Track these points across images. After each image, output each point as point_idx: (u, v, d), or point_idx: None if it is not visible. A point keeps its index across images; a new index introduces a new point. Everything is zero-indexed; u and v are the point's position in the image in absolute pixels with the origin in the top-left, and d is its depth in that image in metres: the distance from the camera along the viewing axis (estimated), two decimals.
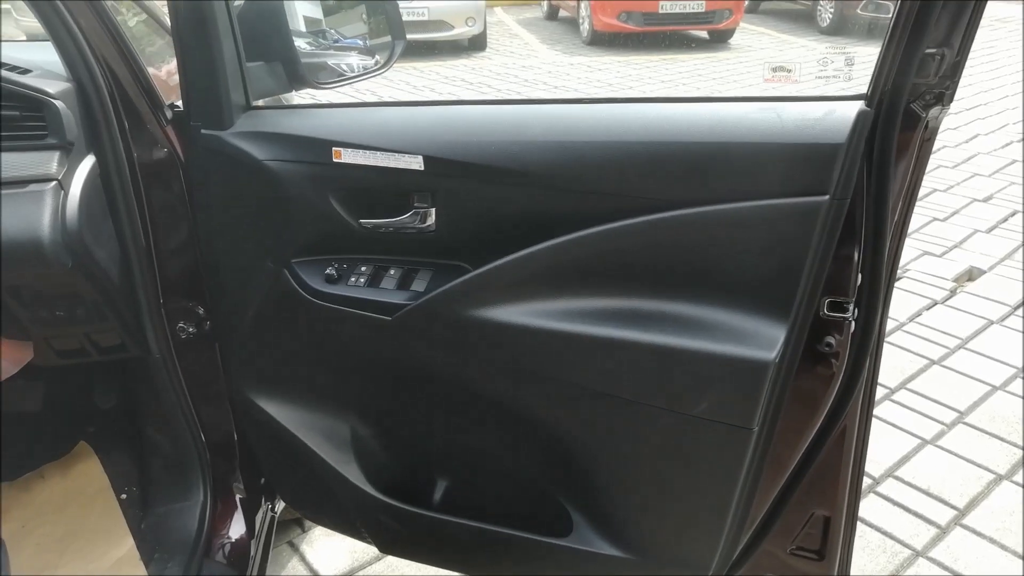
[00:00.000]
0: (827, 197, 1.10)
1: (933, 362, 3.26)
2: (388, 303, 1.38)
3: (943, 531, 2.40)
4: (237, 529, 1.84)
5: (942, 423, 2.87)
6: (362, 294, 1.40)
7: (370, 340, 1.44)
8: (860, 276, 1.18)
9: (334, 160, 1.36)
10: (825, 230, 1.12)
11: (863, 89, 1.10)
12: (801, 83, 1.18)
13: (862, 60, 1.20)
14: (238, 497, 1.86)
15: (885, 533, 2.39)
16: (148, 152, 1.55)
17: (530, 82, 8.63)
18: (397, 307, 1.37)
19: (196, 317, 1.73)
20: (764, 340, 1.17)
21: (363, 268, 1.44)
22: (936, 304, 3.75)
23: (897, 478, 2.62)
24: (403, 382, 1.52)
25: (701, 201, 1.16)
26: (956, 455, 2.71)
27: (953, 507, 2.48)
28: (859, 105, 1.10)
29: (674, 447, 1.30)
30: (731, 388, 1.20)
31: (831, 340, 1.20)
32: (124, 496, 1.92)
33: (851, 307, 1.19)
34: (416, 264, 1.43)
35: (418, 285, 1.39)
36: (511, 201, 1.29)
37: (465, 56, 10.26)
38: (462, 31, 10.16)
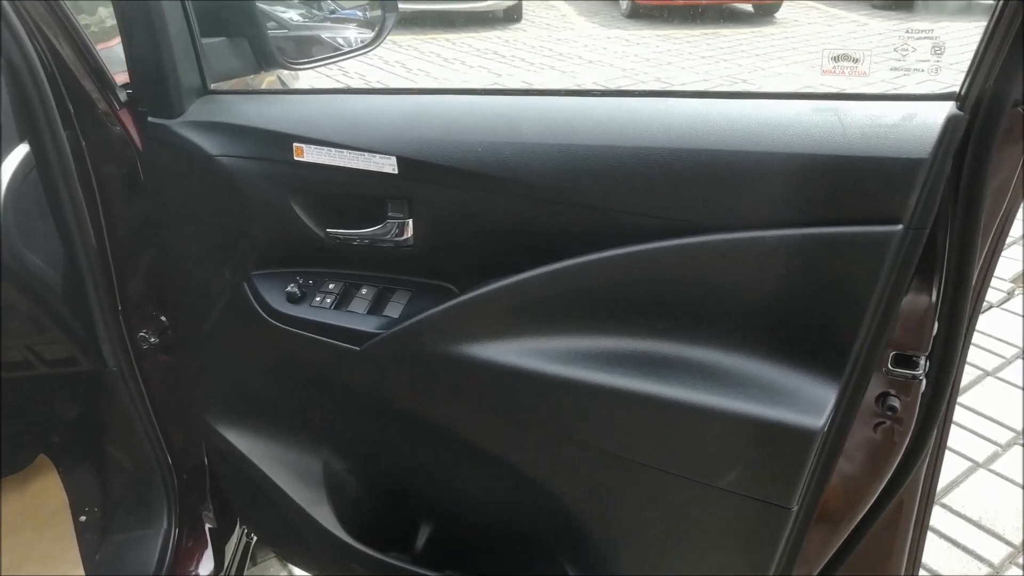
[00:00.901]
0: (900, 227, 0.85)
1: (987, 373, 2.96)
2: (357, 331, 1.16)
3: (996, 571, 2.13)
4: (205, 565, 1.65)
5: (996, 444, 2.58)
6: (328, 318, 1.18)
7: (338, 369, 1.22)
8: (936, 324, 0.92)
9: (295, 158, 1.13)
10: (896, 267, 0.87)
11: (937, 85, 0.83)
12: (870, 76, 0.92)
13: (954, 50, 0.94)
14: (207, 526, 1.66)
15: (930, 571, 2.13)
16: (99, 139, 1.35)
17: (565, 56, 8.31)
18: (367, 335, 1.15)
19: (159, 325, 1.54)
20: (810, 401, 0.93)
21: (331, 286, 1.21)
22: (991, 307, 3.43)
23: (944, 507, 2.34)
24: (376, 416, 1.31)
25: (737, 225, 0.91)
26: (1012, 481, 2.42)
27: (1008, 543, 2.21)
28: (949, 107, 0.84)
29: (692, 521, 1.06)
30: (766, 459, 0.96)
31: (895, 403, 0.95)
32: (83, 518, 1.74)
33: (922, 362, 0.94)
34: (392, 283, 1.20)
35: (392, 309, 1.16)
36: (503, 214, 1.05)
37: (500, 28, 9.94)
38: (496, 2, 9.83)
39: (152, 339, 1.57)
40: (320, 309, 1.19)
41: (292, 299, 1.21)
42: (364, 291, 1.19)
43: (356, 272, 1.22)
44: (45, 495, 1.77)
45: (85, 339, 1.46)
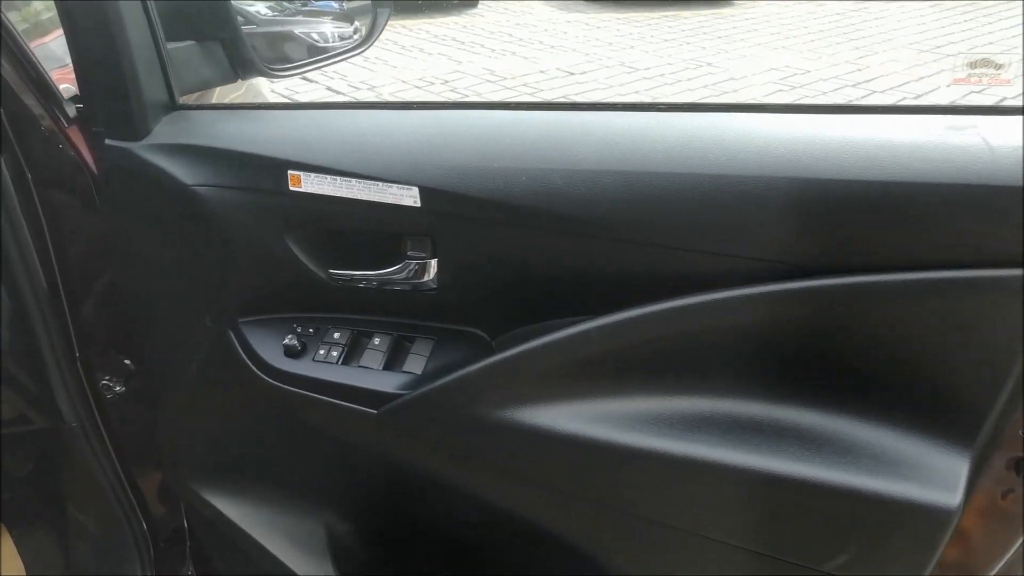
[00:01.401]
0: None
1: None
2: (373, 391, 0.97)
3: None
4: None
5: None
6: (336, 375, 1.00)
7: (349, 434, 1.04)
8: None
9: (291, 188, 0.94)
10: None
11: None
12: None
13: None
14: None
15: None
16: (44, 163, 1.14)
17: (526, 41, 8.11)
18: (386, 397, 0.97)
19: (125, 371, 1.34)
20: (937, 472, 0.78)
21: (336, 335, 1.03)
22: None
23: None
24: (393, 483, 1.13)
25: (851, 267, 0.75)
26: None
27: None
28: None
29: None
30: (888, 540, 0.80)
31: None
32: None
33: None
34: (409, 329, 1.02)
35: (414, 363, 0.98)
36: (551, 253, 0.88)
37: (456, 13, 9.68)
38: None
39: (117, 387, 1.36)
40: (326, 365, 1.00)
41: (291, 352, 1.02)
42: (377, 341, 1.01)
43: (365, 317, 1.04)
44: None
45: (37, 393, 1.25)
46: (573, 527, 0.96)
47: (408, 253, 0.95)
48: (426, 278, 0.96)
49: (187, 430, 1.20)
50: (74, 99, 1.12)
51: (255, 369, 1.04)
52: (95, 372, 1.31)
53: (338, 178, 0.92)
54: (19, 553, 1.58)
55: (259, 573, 1.27)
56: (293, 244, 0.98)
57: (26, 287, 1.16)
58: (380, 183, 0.90)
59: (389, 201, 0.90)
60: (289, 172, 0.94)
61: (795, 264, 0.77)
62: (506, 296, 0.94)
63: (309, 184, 0.93)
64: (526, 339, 0.94)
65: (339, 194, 0.92)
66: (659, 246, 0.82)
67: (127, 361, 1.31)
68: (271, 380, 1.03)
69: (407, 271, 0.96)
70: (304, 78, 5.95)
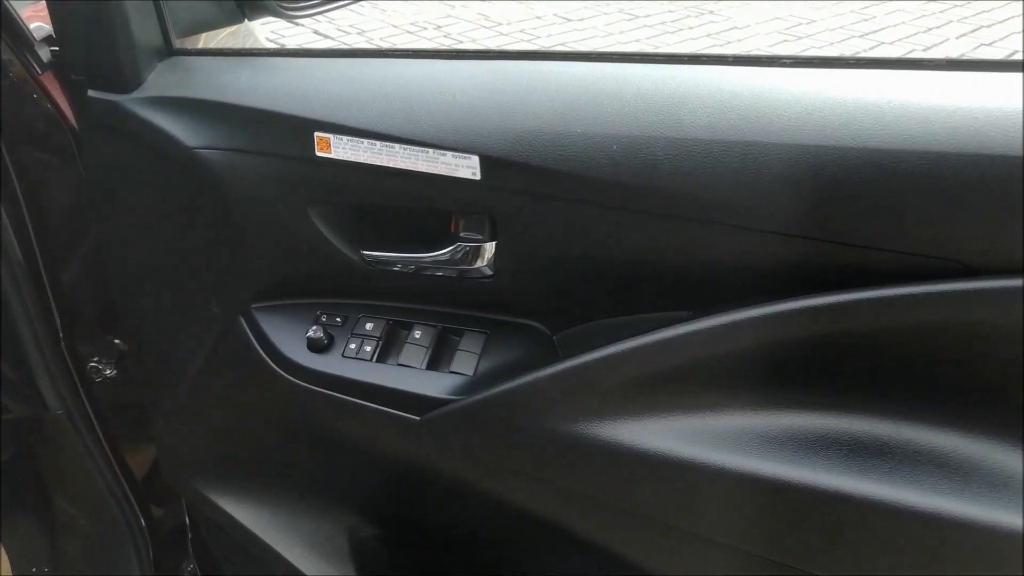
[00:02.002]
0: None
1: None
2: (414, 395, 0.83)
3: None
4: None
5: None
6: (369, 375, 0.85)
7: (385, 440, 0.90)
8: None
9: (317, 153, 0.78)
10: None
11: None
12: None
13: None
14: None
15: None
16: (15, 116, 0.97)
17: None
18: (431, 402, 0.82)
19: (116, 352, 1.19)
20: None
21: (368, 326, 0.87)
22: None
23: None
24: (432, 494, 0.99)
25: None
26: None
27: None
28: None
29: None
30: None
31: None
32: None
33: None
34: (455, 320, 0.87)
35: (463, 362, 0.83)
36: (637, 239, 0.73)
37: None
38: None
39: (107, 371, 1.21)
40: (357, 362, 0.85)
41: (316, 346, 0.87)
42: (418, 334, 0.86)
43: (402, 305, 0.89)
44: None
45: (14, 377, 1.10)
46: (661, 558, 0.83)
47: (461, 234, 0.79)
48: (479, 263, 0.80)
49: (189, 426, 1.05)
50: (48, 40, 0.94)
51: (272, 364, 0.89)
52: (82, 354, 1.16)
53: (377, 143, 0.75)
54: (3, 547, 1.44)
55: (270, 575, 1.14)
56: (319, 220, 0.83)
57: None
58: (431, 150, 0.74)
59: (441, 172, 0.74)
60: (316, 134, 0.77)
61: (958, 259, 0.62)
62: (575, 286, 0.79)
63: (340, 149, 0.77)
64: (597, 337, 0.80)
65: (377, 163, 0.76)
66: (785, 234, 0.67)
67: (117, 341, 1.16)
68: (291, 378, 0.88)
69: (457, 255, 0.80)
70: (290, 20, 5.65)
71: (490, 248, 0.79)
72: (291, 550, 1.08)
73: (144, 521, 1.27)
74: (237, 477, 1.08)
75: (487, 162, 0.72)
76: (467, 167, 0.73)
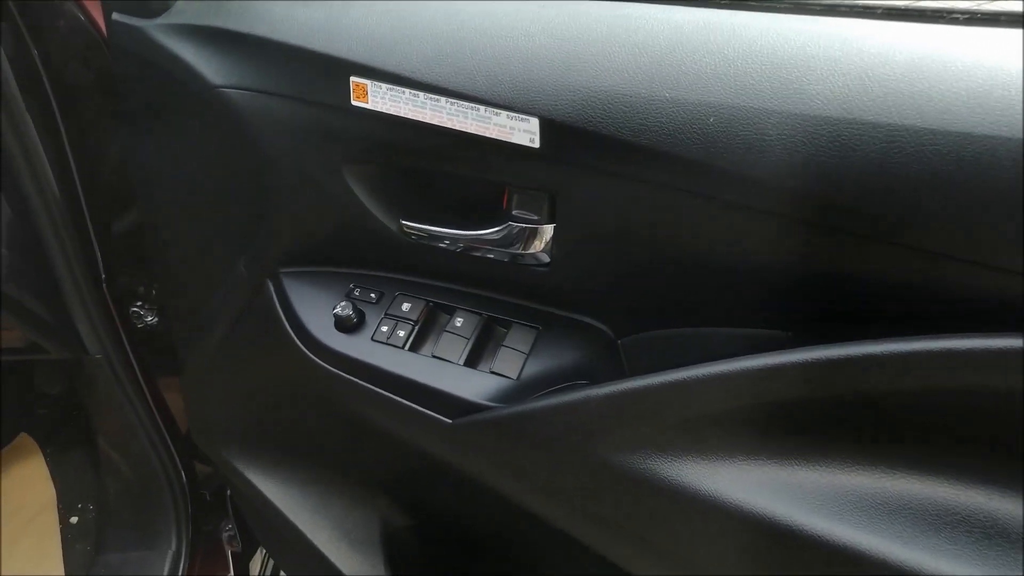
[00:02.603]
0: None
1: None
2: (448, 395, 0.70)
3: None
4: None
5: None
6: (400, 365, 0.73)
7: (414, 437, 0.78)
8: None
9: (353, 102, 0.65)
10: None
11: None
12: None
13: None
14: (229, 551, 1.29)
15: None
16: (51, 35, 0.89)
17: None
18: (466, 406, 0.70)
19: (159, 299, 1.12)
20: None
21: (405, 306, 0.75)
22: None
23: None
24: (467, 499, 0.88)
25: None
26: None
27: None
28: None
29: None
30: None
31: None
32: (74, 519, 1.37)
33: None
34: (503, 309, 0.73)
35: (508, 362, 0.70)
36: (735, 240, 0.57)
37: None
38: None
39: (149, 318, 1.15)
40: (388, 349, 0.74)
41: (344, 325, 0.75)
42: (459, 322, 0.73)
43: (444, 285, 0.76)
44: (28, 484, 1.40)
45: (51, 319, 1.04)
46: None
47: (514, 212, 0.65)
48: (534, 249, 0.66)
49: (216, 390, 0.97)
50: None
51: (296, 340, 0.78)
52: (124, 298, 1.09)
53: (420, 94, 0.62)
54: (51, 475, 1.43)
55: (298, 551, 1.05)
56: (354, 181, 0.70)
57: (33, 194, 0.93)
58: (482, 107, 0.59)
59: (493, 136, 0.60)
60: (352, 80, 0.64)
61: None
62: (649, 286, 0.64)
63: (378, 99, 0.64)
64: (671, 349, 0.65)
65: (420, 119, 0.62)
66: (932, 253, 0.50)
67: (154, 289, 1.09)
68: (315, 358, 0.77)
69: (509, 236, 0.66)
70: None
71: (548, 231, 0.65)
72: (317, 533, 1.00)
73: (185, 475, 1.21)
74: (265, 450, 0.99)
75: (549, 127, 0.57)
76: (524, 131, 0.58)
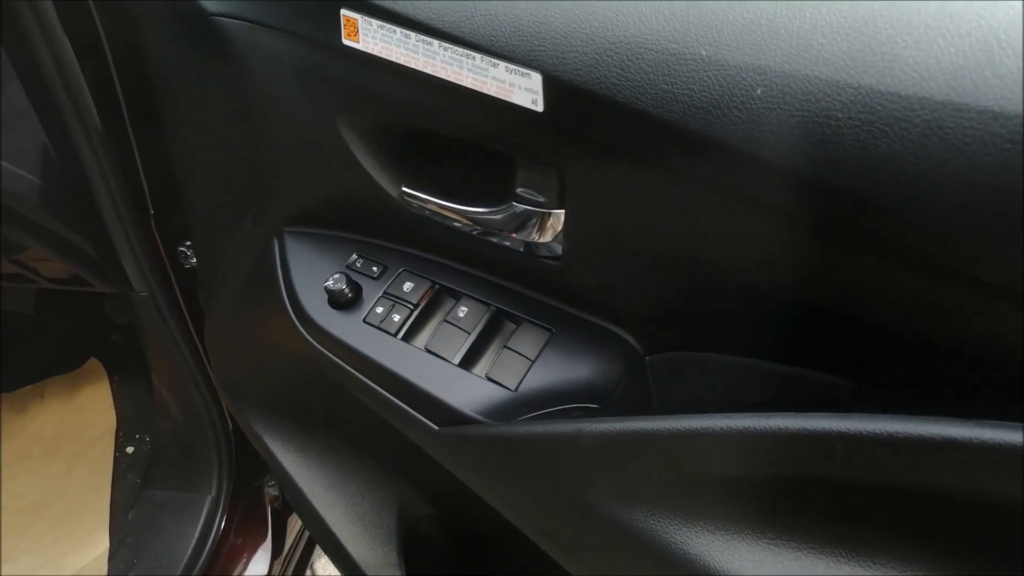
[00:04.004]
0: None
1: None
2: (436, 400, 0.59)
3: None
4: (260, 549, 1.25)
5: None
6: (387, 356, 0.63)
7: (403, 433, 0.68)
8: None
9: (344, 41, 0.53)
10: None
11: None
12: None
13: None
14: (270, 504, 1.25)
15: None
16: None
17: None
18: (451, 413, 0.59)
19: None
20: None
21: (407, 286, 0.64)
22: None
23: None
24: (472, 496, 0.77)
25: None
26: None
27: None
28: None
29: None
30: None
31: None
32: (131, 450, 1.38)
33: None
34: (521, 304, 0.61)
35: (508, 367, 0.59)
36: (787, 256, 0.42)
37: None
38: None
39: (195, 259, 1.10)
40: (379, 334, 0.63)
41: (337, 300, 0.65)
42: (463, 312, 0.62)
43: (457, 266, 0.64)
44: (92, 410, 1.42)
45: (97, 256, 1.00)
46: None
47: (518, 190, 0.53)
48: (543, 237, 0.54)
49: (234, 349, 0.90)
50: None
51: (289, 309, 0.69)
52: (171, 237, 1.04)
53: (412, 35, 0.50)
54: (115, 403, 1.44)
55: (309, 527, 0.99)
56: (348, 135, 0.59)
57: (73, 120, 0.87)
58: (478, 55, 0.47)
59: (491, 92, 0.47)
60: (343, 13, 0.53)
61: None
62: (682, 298, 0.51)
63: (370, 38, 0.52)
64: (705, 378, 0.51)
65: (411, 64, 0.51)
66: None
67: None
68: (304, 332, 0.68)
69: (512, 218, 0.54)
70: None
71: (559, 218, 0.52)
72: (330, 511, 0.92)
73: (232, 424, 1.18)
74: (284, 416, 0.92)
75: (554, 85, 0.44)
76: (526, 89, 0.45)
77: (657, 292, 0.53)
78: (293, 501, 0.95)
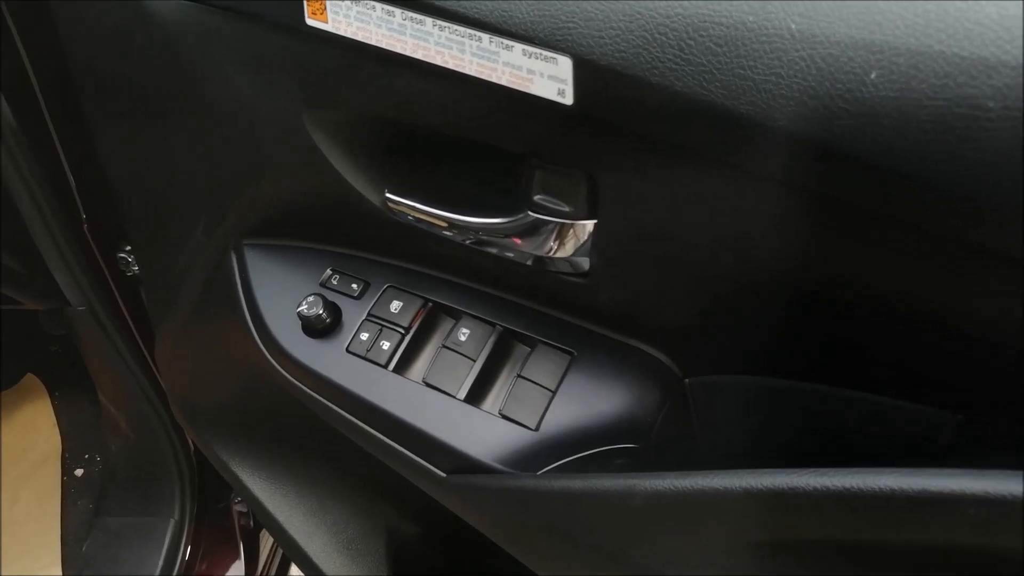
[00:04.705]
0: None
1: None
2: (439, 442, 0.50)
3: None
4: (232, 572, 1.16)
5: None
6: (378, 394, 0.53)
7: (399, 477, 0.59)
8: None
9: (308, 21, 0.43)
10: None
11: None
12: None
13: None
14: (238, 522, 1.16)
15: None
16: None
17: None
18: (461, 459, 0.50)
19: None
20: None
21: (395, 306, 0.55)
22: None
23: None
24: (455, 527, 0.69)
25: None
26: None
27: None
28: None
29: None
30: None
31: None
32: (80, 472, 1.26)
33: None
34: (529, 322, 0.52)
35: (526, 401, 0.50)
36: (884, 267, 0.34)
37: None
38: None
39: (136, 267, 0.98)
40: (366, 367, 0.54)
41: (313, 327, 0.56)
42: (464, 335, 0.52)
43: (449, 278, 0.55)
44: (32, 431, 1.30)
45: (22, 270, 0.89)
46: None
47: (536, 198, 0.43)
48: (564, 251, 0.45)
49: (189, 370, 0.80)
50: None
51: (256, 336, 0.59)
52: (111, 242, 0.93)
53: (396, 11, 0.40)
54: (58, 422, 1.32)
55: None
56: (318, 134, 0.49)
57: None
58: (485, 36, 0.37)
59: (504, 82, 0.38)
60: None
61: None
62: (739, 314, 0.42)
63: (339, 18, 0.42)
64: (756, 406, 0.44)
65: (396, 48, 0.41)
66: None
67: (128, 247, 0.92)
68: (276, 364, 0.58)
69: (526, 230, 0.45)
70: None
71: (588, 230, 0.43)
72: (311, 540, 0.83)
73: (193, 443, 1.08)
74: (250, 441, 0.83)
75: (589, 72, 0.35)
76: (549, 77, 0.36)
77: (704, 306, 0.44)
78: (270, 532, 0.85)
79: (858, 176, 0.30)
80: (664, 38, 0.33)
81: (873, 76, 0.29)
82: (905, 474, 0.30)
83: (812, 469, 0.34)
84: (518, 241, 0.46)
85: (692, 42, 0.32)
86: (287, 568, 1.26)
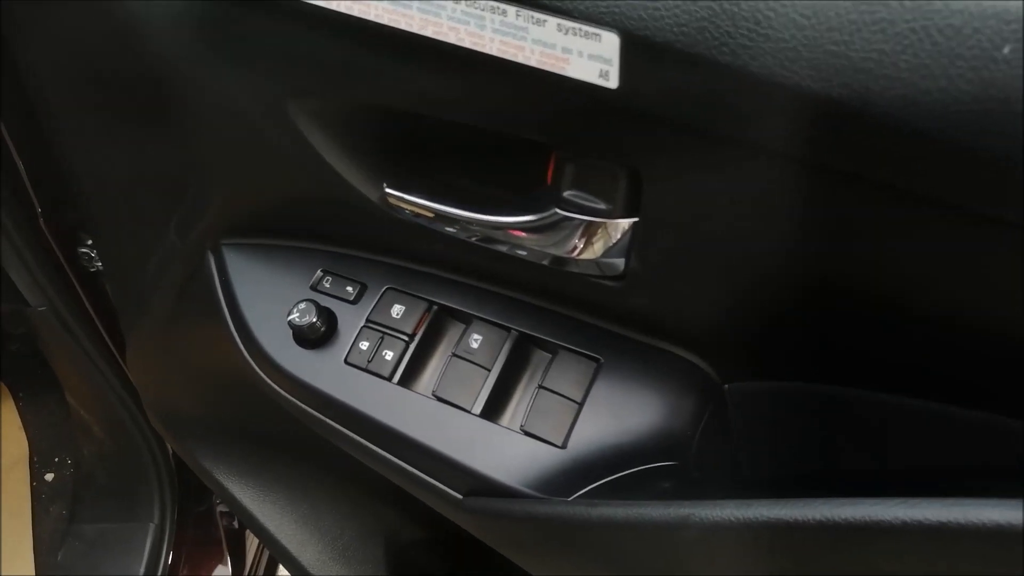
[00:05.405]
0: None
1: None
2: (455, 463, 0.45)
3: None
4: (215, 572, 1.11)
5: None
6: (383, 411, 0.48)
7: (409, 496, 0.54)
8: None
9: None
10: None
11: None
12: None
13: None
14: (221, 524, 1.10)
15: None
16: None
17: None
18: (480, 481, 0.45)
19: None
20: None
21: (395, 310, 0.49)
22: None
23: None
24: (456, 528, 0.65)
25: None
26: None
27: None
28: None
29: None
30: None
31: None
32: (51, 476, 1.20)
33: None
34: (549, 326, 0.47)
35: (549, 415, 0.45)
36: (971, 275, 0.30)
37: None
38: None
39: (100, 263, 0.91)
40: (367, 380, 0.48)
41: (305, 337, 0.50)
42: (476, 342, 0.47)
43: (455, 278, 0.50)
44: None
45: None
46: None
47: (565, 194, 0.38)
48: (591, 253, 0.39)
49: (165, 377, 0.74)
50: None
51: (241, 347, 0.53)
52: (72, 237, 0.86)
53: None
54: (24, 425, 1.25)
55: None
56: (306, 123, 0.43)
57: None
58: (511, 7, 0.31)
59: (532, 64, 0.32)
60: None
61: None
62: (788, 309, 0.38)
63: None
64: (799, 418, 0.39)
65: (395, 24, 0.35)
66: None
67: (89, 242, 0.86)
68: (265, 377, 0.52)
69: (552, 229, 0.39)
70: None
71: (625, 229, 0.38)
72: (304, 551, 0.79)
73: (171, 446, 1.02)
74: (236, 449, 0.77)
75: (639, 51, 0.29)
76: (590, 57, 0.31)
77: (749, 308, 0.40)
78: (261, 541, 0.80)
79: (983, 179, 0.25)
80: (736, 8, 0.27)
81: (1006, 51, 0.24)
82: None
83: (899, 499, 0.29)
84: (539, 239, 0.41)
85: (772, 13, 0.27)
86: (275, 568, 1.21)
